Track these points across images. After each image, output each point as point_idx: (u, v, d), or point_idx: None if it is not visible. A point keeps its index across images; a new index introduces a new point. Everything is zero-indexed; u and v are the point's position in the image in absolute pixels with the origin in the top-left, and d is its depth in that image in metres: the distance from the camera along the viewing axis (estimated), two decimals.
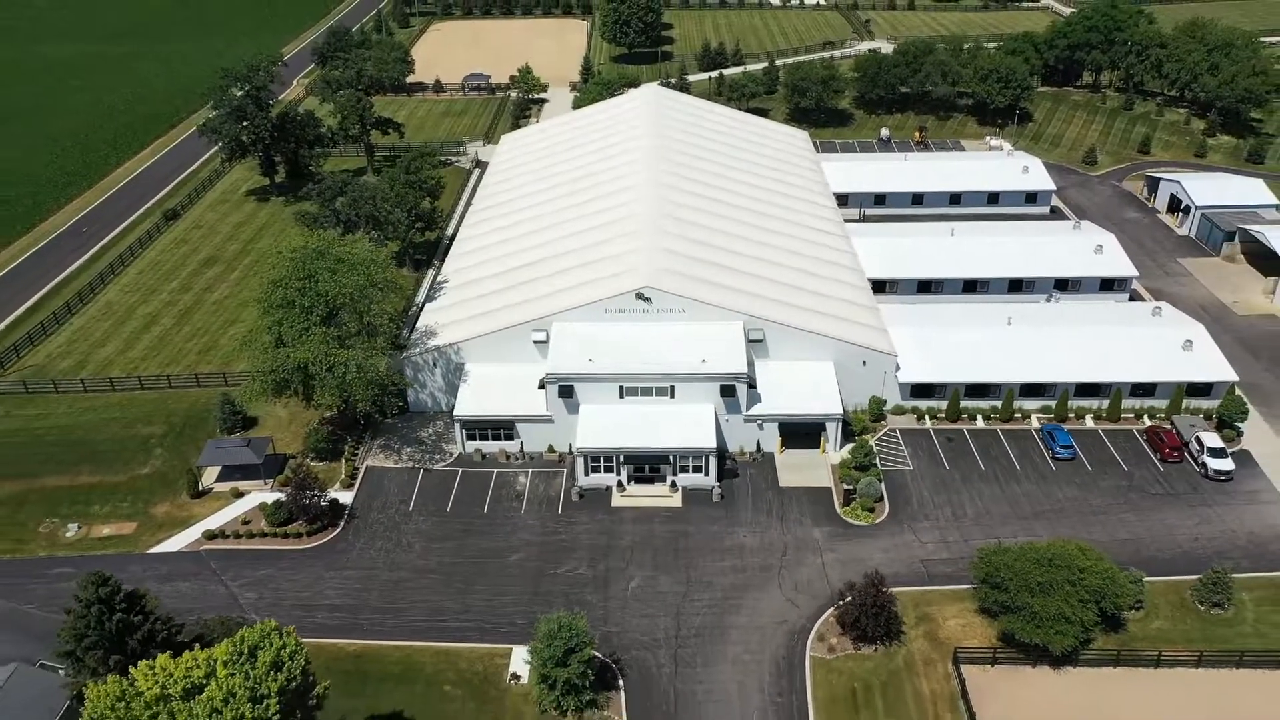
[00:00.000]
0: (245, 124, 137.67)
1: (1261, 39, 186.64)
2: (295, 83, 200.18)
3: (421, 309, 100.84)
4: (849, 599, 67.94)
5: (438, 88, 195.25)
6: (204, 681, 48.26)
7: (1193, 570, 73.35)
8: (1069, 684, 65.71)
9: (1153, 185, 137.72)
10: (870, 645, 68.04)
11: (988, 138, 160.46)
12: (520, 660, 66.07)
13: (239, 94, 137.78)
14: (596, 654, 64.44)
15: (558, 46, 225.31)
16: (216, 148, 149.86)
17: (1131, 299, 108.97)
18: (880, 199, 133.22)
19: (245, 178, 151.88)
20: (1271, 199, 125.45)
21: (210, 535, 77.52)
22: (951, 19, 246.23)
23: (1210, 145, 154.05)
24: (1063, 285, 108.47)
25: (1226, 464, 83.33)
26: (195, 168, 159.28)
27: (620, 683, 65.35)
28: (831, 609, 70.46)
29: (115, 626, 54.25)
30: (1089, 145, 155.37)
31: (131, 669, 49.33)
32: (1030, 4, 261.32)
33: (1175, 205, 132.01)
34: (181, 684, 47.71)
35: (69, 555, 76.02)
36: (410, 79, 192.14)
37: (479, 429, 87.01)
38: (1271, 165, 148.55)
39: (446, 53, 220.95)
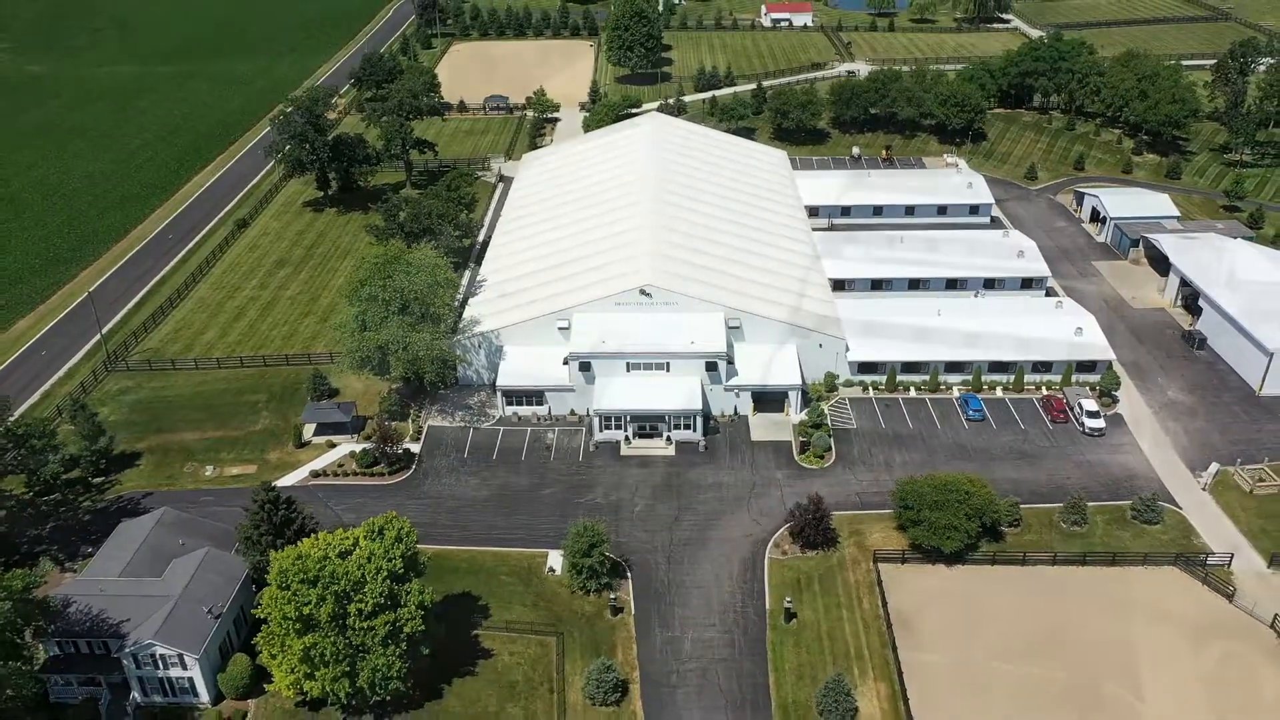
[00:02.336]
0: (306, 146, 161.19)
1: (1191, 61, 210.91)
2: (334, 101, 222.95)
3: (465, 303, 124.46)
4: (797, 516, 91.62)
5: (462, 108, 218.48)
6: (351, 548, 72.14)
7: (1062, 500, 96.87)
8: (957, 576, 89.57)
9: (1080, 198, 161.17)
10: (813, 550, 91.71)
11: (946, 155, 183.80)
12: (555, 559, 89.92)
13: (300, 120, 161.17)
14: (610, 555, 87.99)
15: (567, 67, 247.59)
16: (274, 163, 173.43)
17: (1048, 294, 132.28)
18: (846, 210, 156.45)
19: (301, 191, 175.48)
20: (1174, 211, 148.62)
21: (315, 474, 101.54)
22: (927, 40, 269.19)
23: (1136, 163, 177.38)
24: (990, 284, 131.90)
25: (1099, 423, 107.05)
26: (256, 181, 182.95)
27: (628, 574, 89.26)
28: (785, 526, 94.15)
29: (279, 519, 78.19)
30: (1033, 162, 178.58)
31: (298, 543, 73.09)
32: (1000, 25, 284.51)
33: (1096, 216, 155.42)
34: (336, 549, 71.52)
35: (210, 488, 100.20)
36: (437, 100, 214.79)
37: (516, 397, 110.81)
38: (1186, 181, 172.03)
39: (466, 73, 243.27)
